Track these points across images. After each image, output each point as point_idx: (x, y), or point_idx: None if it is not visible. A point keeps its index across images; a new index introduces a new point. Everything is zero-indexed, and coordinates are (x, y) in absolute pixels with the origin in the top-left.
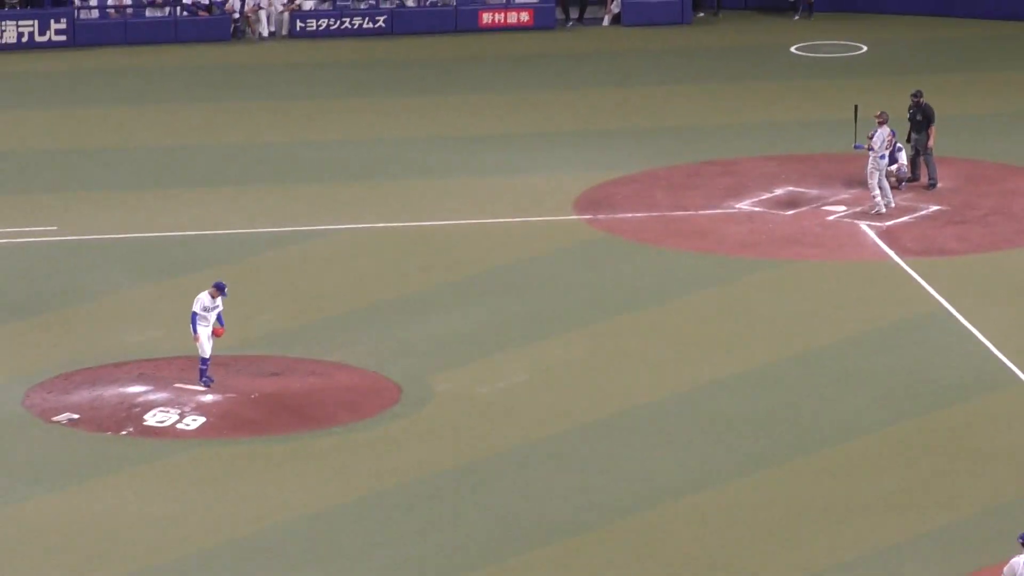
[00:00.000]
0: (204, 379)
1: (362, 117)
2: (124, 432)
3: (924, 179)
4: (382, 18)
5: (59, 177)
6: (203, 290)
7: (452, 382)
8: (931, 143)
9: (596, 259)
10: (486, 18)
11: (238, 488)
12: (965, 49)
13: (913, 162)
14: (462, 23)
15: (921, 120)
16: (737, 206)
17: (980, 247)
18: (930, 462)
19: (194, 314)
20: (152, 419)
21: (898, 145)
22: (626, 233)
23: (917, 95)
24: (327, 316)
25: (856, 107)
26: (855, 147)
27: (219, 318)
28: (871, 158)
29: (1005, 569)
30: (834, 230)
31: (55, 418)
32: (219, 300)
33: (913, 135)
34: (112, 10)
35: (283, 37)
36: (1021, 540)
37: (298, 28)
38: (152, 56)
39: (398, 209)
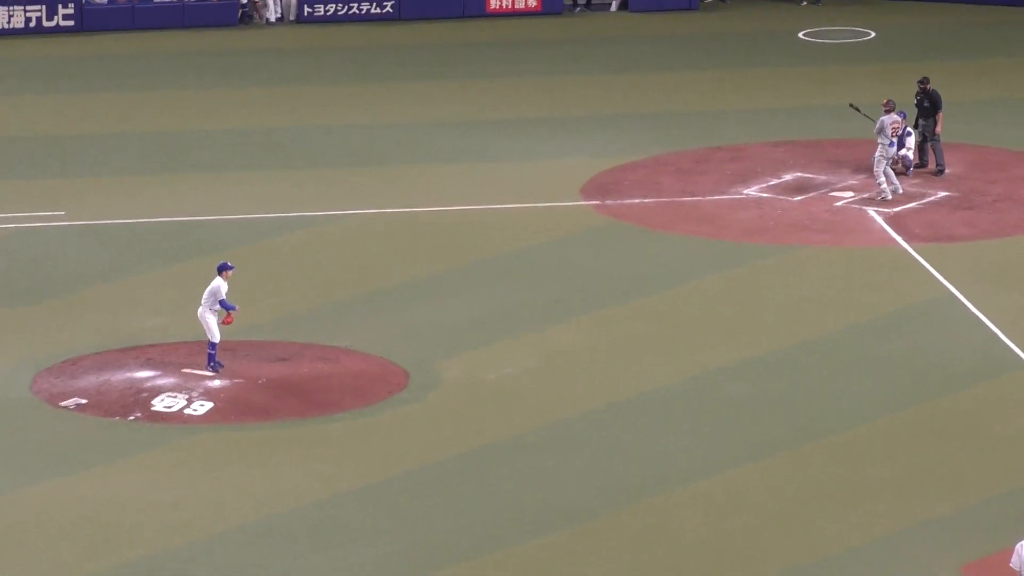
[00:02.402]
0: (212, 364)
1: (369, 102)
2: (132, 417)
3: (932, 165)
4: (390, 3)
5: (67, 162)
6: (214, 278)
7: (459, 368)
8: (938, 129)
9: (603, 245)
10: (494, 3)
11: (245, 473)
12: (973, 35)
13: (920, 148)
14: (470, 8)
15: (928, 106)
16: (745, 192)
17: (988, 233)
18: (938, 448)
19: (224, 301)
20: (160, 404)
21: (908, 130)
22: (633, 219)
23: (923, 81)
24: (335, 301)
25: (854, 106)
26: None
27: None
28: (880, 145)
29: (1013, 555)
30: (842, 216)
31: (63, 403)
32: (225, 285)
33: (920, 121)
34: None
35: (290, 22)
36: None
37: (305, 13)
38: (160, 41)
39: (406, 194)
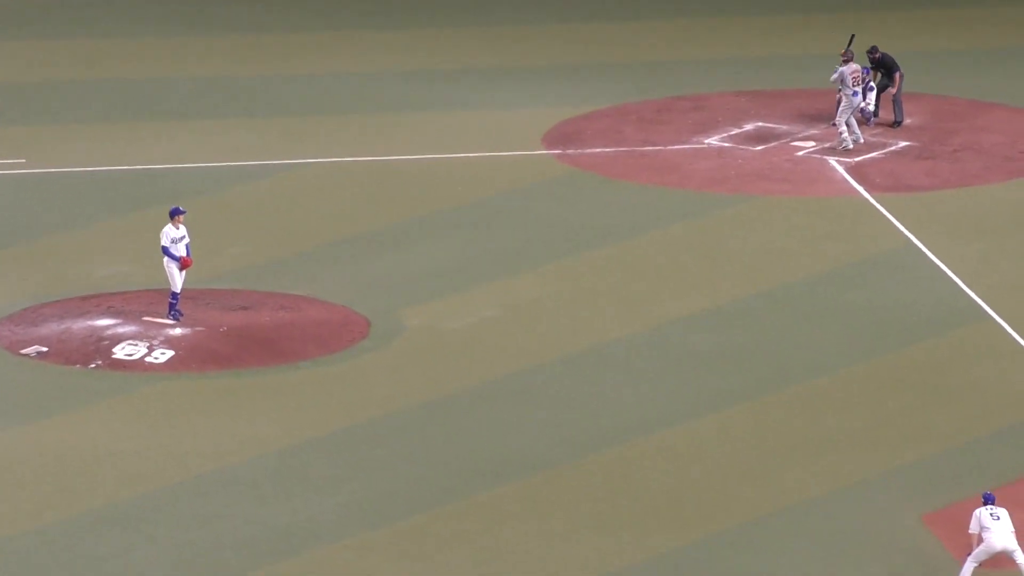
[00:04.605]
0: (173, 313)
1: (331, 51)
2: (93, 365)
3: (891, 117)
4: None
5: (28, 109)
6: (166, 225)
7: (422, 317)
8: (893, 90)
9: (565, 194)
10: None
11: (207, 422)
12: None
13: (877, 97)
14: None
15: (884, 73)
16: (706, 141)
17: (949, 183)
18: (899, 398)
19: (165, 247)
20: (121, 352)
21: (871, 84)
22: (595, 168)
23: (873, 51)
24: (297, 250)
25: (852, 36)
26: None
27: (187, 248)
28: (845, 96)
29: (972, 521)
30: (803, 166)
31: (23, 351)
32: (183, 228)
33: (883, 80)
34: None
35: None
36: (984, 498)
37: None
38: None
39: (368, 143)
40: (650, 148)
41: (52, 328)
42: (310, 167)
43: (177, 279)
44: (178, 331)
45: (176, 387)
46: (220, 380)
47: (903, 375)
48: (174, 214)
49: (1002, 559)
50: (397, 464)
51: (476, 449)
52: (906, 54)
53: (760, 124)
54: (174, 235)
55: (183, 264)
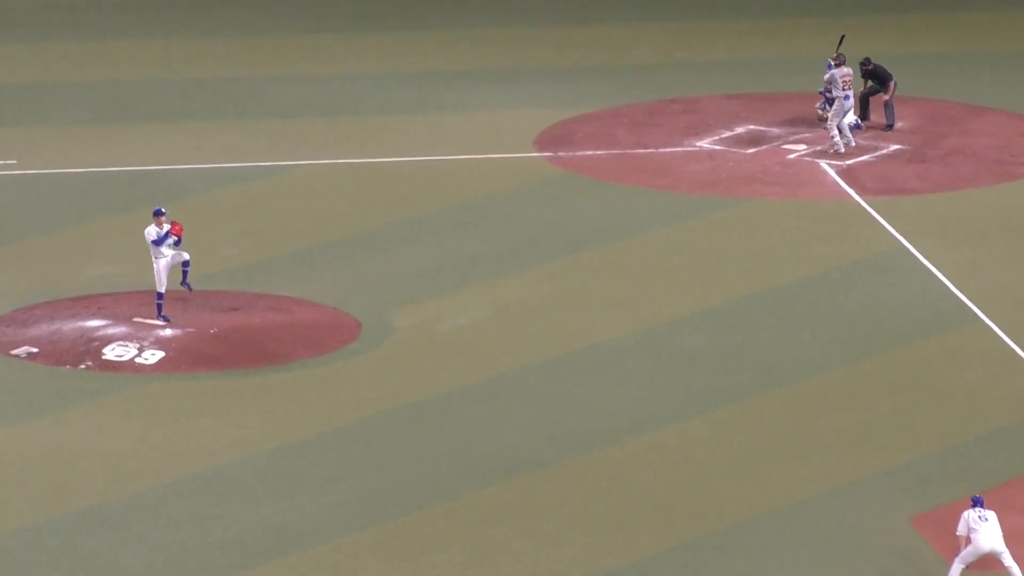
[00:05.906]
0: (163, 314)
1: (323, 53)
2: (83, 366)
3: (882, 120)
4: None
5: (20, 110)
6: (149, 225)
7: (412, 318)
8: (886, 97)
9: (556, 196)
10: None
11: (197, 423)
12: None
13: (864, 101)
14: None
15: (877, 82)
16: (698, 144)
17: (940, 186)
18: (889, 400)
19: (153, 240)
20: (111, 353)
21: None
22: (587, 171)
23: (865, 63)
24: (287, 251)
25: (842, 36)
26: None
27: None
28: (836, 100)
29: (960, 523)
30: (794, 168)
31: (13, 351)
32: (167, 226)
33: (876, 87)
34: None
35: None
36: (973, 500)
37: None
38: None
39: (359, 145)
40: (641, 151)
41: (42, 329)
42: (301, 169)
43: (164, 279)
44: (168, 332)
45: (166, 388)
46: (210, 381)
47: (893, 377)
48: (156, 214)
49: (990, 561)
50: (386, 465)
51: (465, 450)
52: (898, 57)
53: (751, 127)
54: (160, 233)
55: (174, 231)
